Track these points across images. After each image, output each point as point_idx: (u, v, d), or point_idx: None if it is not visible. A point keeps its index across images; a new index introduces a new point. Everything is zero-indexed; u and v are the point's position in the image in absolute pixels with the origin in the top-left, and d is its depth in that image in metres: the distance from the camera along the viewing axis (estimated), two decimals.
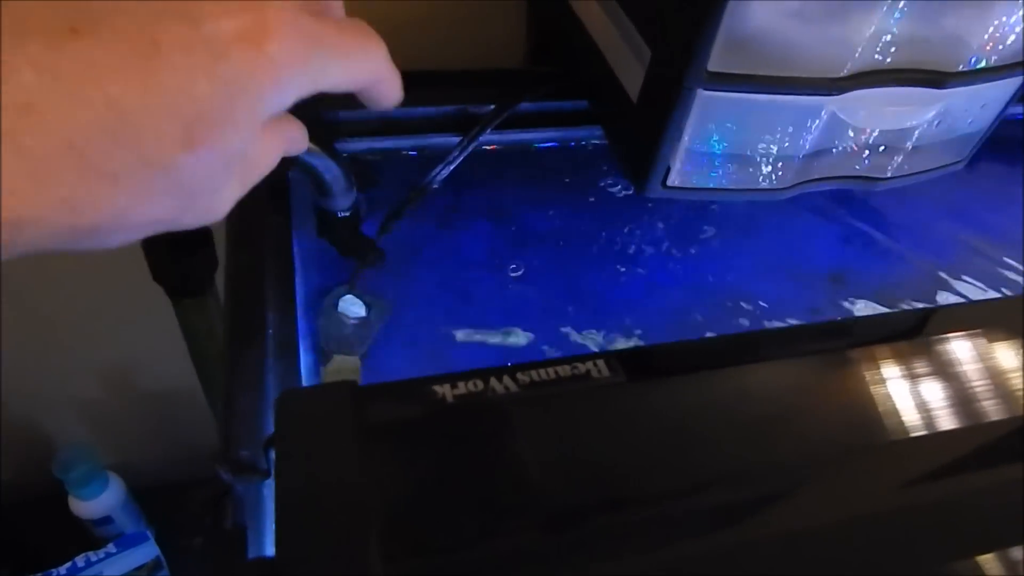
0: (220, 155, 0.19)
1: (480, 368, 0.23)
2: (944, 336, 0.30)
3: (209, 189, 0.20)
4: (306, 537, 0.19)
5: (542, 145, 0.45)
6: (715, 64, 0.32)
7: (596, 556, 0.20)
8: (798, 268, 0.47)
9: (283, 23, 0.19)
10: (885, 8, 0.31)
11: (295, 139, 0.26)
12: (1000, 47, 0.35)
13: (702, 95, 0.33)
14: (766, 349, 0.28)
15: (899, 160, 0.40)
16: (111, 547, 0.66)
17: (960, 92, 0.36)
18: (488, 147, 0.47)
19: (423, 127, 0.42)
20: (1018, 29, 0.35)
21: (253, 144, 0.20)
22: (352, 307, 0.43)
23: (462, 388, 0.23)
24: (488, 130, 0.42)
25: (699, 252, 0.45)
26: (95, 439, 0.78)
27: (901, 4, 0.31)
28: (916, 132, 0.38)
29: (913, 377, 0.29)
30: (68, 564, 0.64)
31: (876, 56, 0.33)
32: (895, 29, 0.32)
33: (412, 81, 0.49)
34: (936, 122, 0.38)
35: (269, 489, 0.25)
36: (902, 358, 0.30)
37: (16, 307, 0.65)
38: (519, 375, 0.23)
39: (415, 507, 0.20)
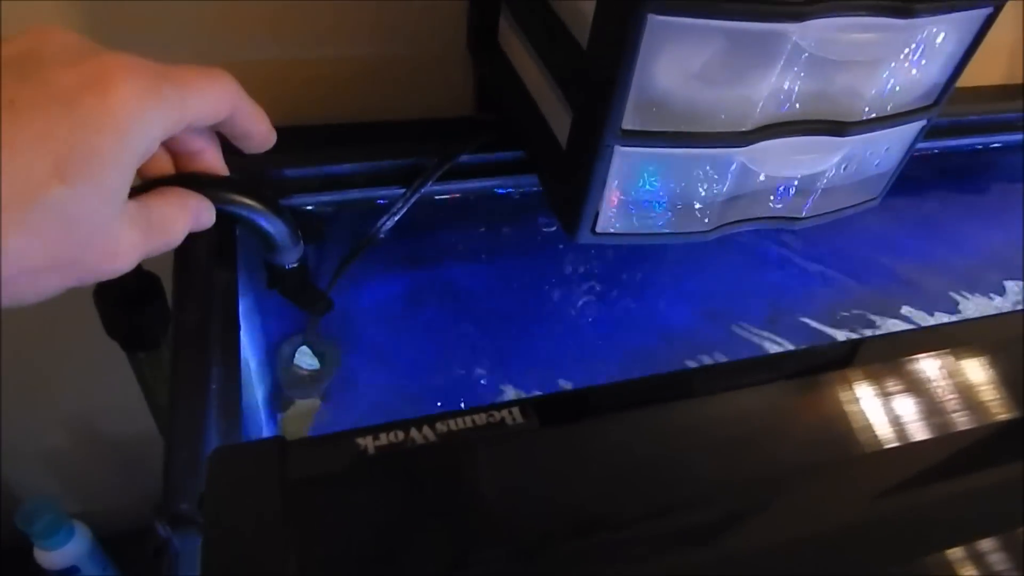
0: (99, 189, 0.22)
1: (400, 420, 0.25)
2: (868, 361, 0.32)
3: (101, 227, 0.23)
4: None
5: (491, 191, 0.48)
6: (628, 123, 0.35)
7: None
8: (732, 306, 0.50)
9: (123, 67, 0.22)
10: (779, 70, 0.34)
11: (202, 214, 0.29)
12: (893, 97, 0.38)
13: (620, 150, 0.36)
14: (674, 389, 0.30)
15: (813, 200, 0.42)
16: None
17: (861, 139, 0.39)
18: (442, 196, 0.49)
19: (369, 181, 0.44)
20: (906, 82, 0.38)
21: (132, 184, 0.24)
22: (306, 359, 0.45)
23: (383, 439, 0.25)
24: (430, 182, 0.44)
25: (634, 292, 0.47)
26: (61, 488, 0.78)
27: (794, 68, 0.34)
28: (825, 176, 0.41)
29: (825, 403, 0.31)
30: None
31: (778, 109, 0.36)
32: (792, 86, 0.35)
33: (361, 133, 0.52)
34: (843, 166, 0.41)
35: None
36: (810, 389, 0.32)
37: None
38: (438, 424, 0.25)
39: (335, 557, 0.22)
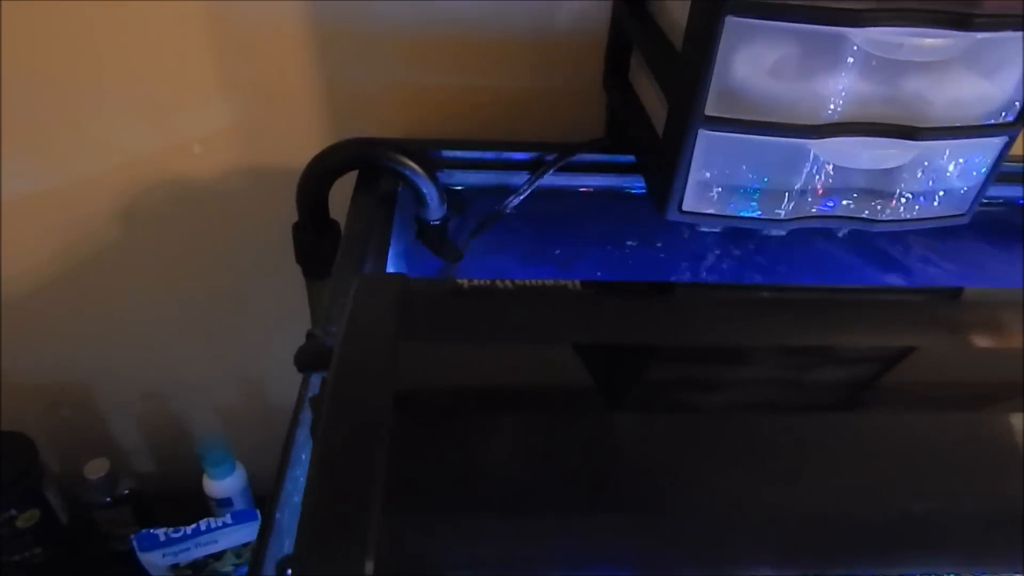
0: None
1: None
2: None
3: None
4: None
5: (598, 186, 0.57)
6: (711, 109, 0.42)
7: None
8: None
9: None
10: (845, 70, 0.40)
11: None
12: (965, 108, 0.43)
13: (703, 133, 0.43)
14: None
15: (893, 205, 0.47)
16: (228, 518, 0.78)
17: (933, 146, 0.43)
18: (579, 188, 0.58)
19: (503, 166, 0.55)
20: (977, 94, 0.42)
21: None
22: None
23: (476, 283, 0.33)
24: (551, 171, 0.54)
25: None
26: (227, 439, 0.93)
27: (860, 69, 0.40)
28: (901, 180, 0.45)
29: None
30: (193, 526, 0.76)
31: (849, 108, 0.42)
32: (861, 87, 0.41)
33: (511, 146, 0.62)
34: (918, 172, 0.45)
35: None
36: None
37: (187, 321, 0.83)
38: (518, 282, 0.33)
39: (428, 351, 0.30)
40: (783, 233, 0.52)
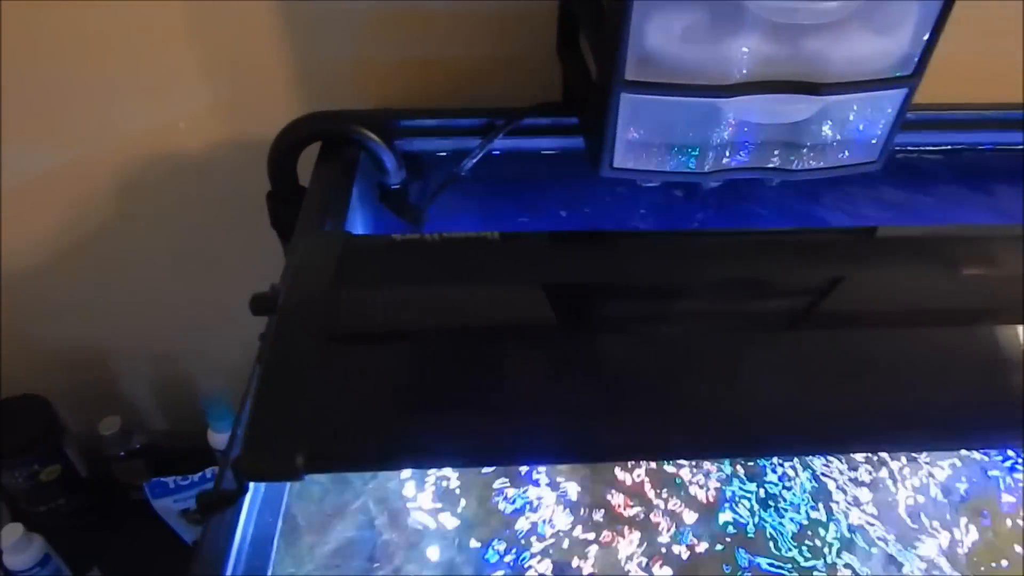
0: None
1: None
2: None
3: None
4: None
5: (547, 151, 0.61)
6: (631, 74, 0.46)
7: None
8: None
9: None
10: (745, 33, 0.44)
11: None
12: (864, 64, 0.47)
13: (625, 96, 0.47)
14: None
15: (805, 155, 0.51)
16: None
17: (836, 100, 0.47)
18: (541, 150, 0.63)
19: (459, 133, 0.60)
20: (874, 50, 0.46)
21: None
22: None
23: (408, 237, 0.38)
24: (501, 135, 0.58)
25: None
26: (232, 396, 1.00)
27: (760, 32, 0.44)
28: (810, 133, 0.49)
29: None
30: (199, 474, 0.84)
31: (755, 68, 0.46)
32: (764, 48, 0.45)
33: (463, 112, 0.67)
34: (826, 125, 0.49)
35: None
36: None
37: (189, 287, 0.89)
38: (444, 235, 0.39)
39: (364, 290, 0.36)
40: (717, 184, 0.57)
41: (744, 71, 0.46)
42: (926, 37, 0.46)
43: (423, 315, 0.33)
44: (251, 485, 0.33)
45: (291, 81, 0.70)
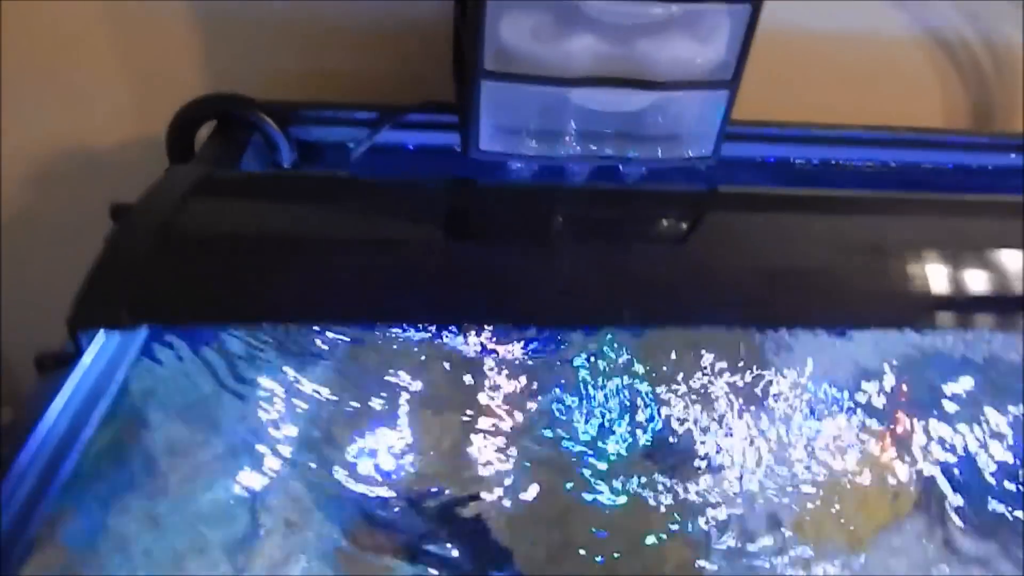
0: None
1: None
2: None
3: None
4: None
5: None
6: (490, 65, 0.54)
7: None
8: None
9: None
10: (584, 33, 0.52)
11: None
12: (689, 67, 0.55)
13: (485, 84, 0.54)
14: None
15: (645, 146, 0.58)
16: None
17: (664, 96, 0.55)
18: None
19: (353, 123, 0.66)
20: (695, 55, 0.54)
21: None
22: None
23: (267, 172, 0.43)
24: (386, 127, 0.65)
25: None
26: None
27: (598, 32, 0.52)
28: (647, 125, 0.57)
29: None
30: None
31: (596, 64, 0.54)
32: (603, 47, 0.53)
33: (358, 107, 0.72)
34: (659, 118, 0.57)
35: None
36: None
37: None
38: (306, 172, 0.44)
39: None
40: (580, 173, 0.64)
41: (583, 66, 0.54)
42: (737, 48, 0.55)
43: (258, 219, 0.38)
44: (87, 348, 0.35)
45: (202, 85, 0.76)
